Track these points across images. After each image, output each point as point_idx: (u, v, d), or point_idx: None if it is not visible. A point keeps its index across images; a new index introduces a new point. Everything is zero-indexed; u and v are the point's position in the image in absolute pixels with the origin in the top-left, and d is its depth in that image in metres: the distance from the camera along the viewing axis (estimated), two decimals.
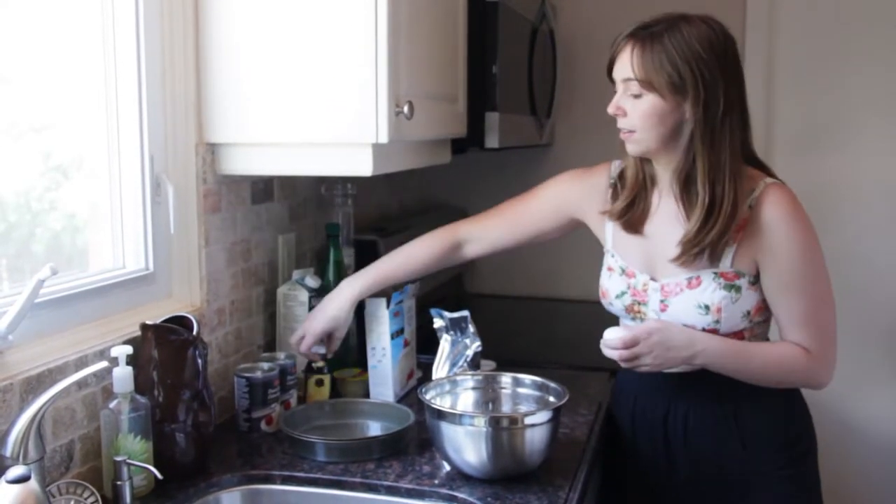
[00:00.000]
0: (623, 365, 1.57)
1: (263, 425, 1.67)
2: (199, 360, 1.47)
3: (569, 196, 1.81)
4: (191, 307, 1.68)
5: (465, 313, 1.79)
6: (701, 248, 1.56)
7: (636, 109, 1.56)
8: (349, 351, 2.02)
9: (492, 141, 2.15)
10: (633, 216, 1.68)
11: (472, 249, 1.89)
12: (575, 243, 2.06)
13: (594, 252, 1.84)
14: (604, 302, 1.75)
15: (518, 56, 2.37)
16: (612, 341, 1.55)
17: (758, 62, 2.76)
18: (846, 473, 2.75)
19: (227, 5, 1.63)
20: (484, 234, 1.87)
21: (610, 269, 1.73)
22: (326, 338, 1.80)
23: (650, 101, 1.54)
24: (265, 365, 1.71)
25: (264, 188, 1.92)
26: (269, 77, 1.62)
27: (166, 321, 1.48)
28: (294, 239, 2.04)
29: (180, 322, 1.48)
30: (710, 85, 1.52)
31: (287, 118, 1.62)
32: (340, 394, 1.89)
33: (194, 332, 1.46)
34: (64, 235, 1.54)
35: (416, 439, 1.62)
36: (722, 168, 1.54)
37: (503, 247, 1.88)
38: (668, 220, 1.64)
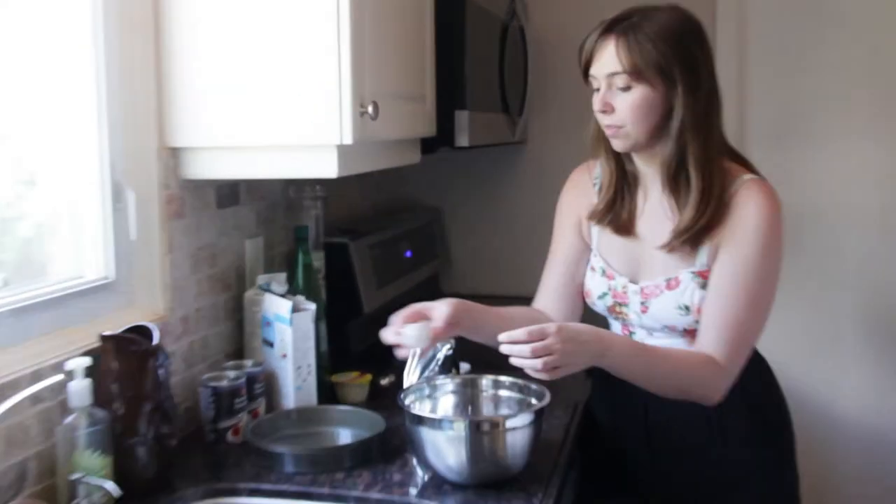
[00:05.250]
0: (533, 371, 1.40)
1: (230, 436, 1.63)
2: (161, 371, 1.43)
3: (573, 208, 1.77)
4: (154, 316, 1.64)
5: None
6: (692, 234, 1.54)
7: (624, 103, 1.54)
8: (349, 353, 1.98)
9: (462, 140, 2.12)
10: (620, 218, 1.66)
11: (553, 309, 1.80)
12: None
13: None
14: (588, 301, 1.75)
15: (488, 54, 2.34)
16: (516, 335, 1.39)
17: (729, 51, 2.72)
18: (827, 468, 2.75)
19: (187, 7, 1.59)
20: (547, 284, 1.81)
21: (593, 268, 1.72)
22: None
23: (639, 91, 1.52)
24: (231, 373, 1.66)
25: (230, 192, 1.87)
26: (232, 79, 1.58)
27: (128, 331, 1.43)
28: (262, 243, 1.99)
29: (143, 332, 1.44)
30: (694, 68, 1.53)
31: (250, 121, 1.58)
32: (339, 398, 1.85)
33: (154, 342, 1.42)
34: (33, 244, 1.50)
35: (388, 446, 1.58)
36: (710, 152, 1.55)
37: (573, 289, 1.77)
38: (655, 217, 1.63)
